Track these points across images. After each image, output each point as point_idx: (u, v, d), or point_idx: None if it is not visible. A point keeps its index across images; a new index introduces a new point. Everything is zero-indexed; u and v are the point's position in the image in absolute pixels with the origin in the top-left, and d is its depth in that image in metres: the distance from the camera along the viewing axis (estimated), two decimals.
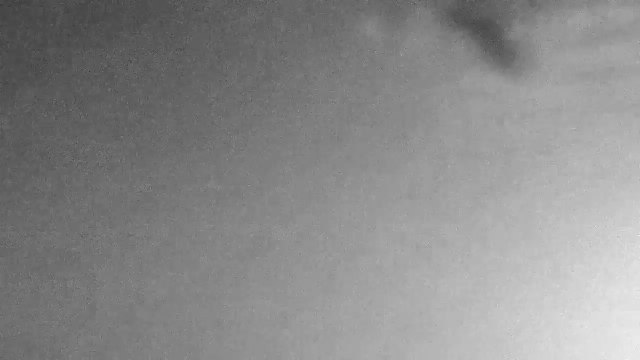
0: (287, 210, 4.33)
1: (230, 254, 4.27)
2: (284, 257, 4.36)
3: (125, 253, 4.05)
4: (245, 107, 4.78)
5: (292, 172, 4.82)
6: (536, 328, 4.14)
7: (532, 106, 4.73)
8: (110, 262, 4.21)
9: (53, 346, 3.79)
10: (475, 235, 4.59)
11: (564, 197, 4.56)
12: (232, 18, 4.85)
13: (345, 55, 4.96)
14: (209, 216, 4.30)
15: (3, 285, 3.83)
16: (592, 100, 4.83)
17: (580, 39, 4.83)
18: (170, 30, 4.79)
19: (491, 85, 4.72)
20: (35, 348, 3.81)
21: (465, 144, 4.69)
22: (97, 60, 4.50)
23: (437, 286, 4.21)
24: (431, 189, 4.60)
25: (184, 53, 4.59)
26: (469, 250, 4.50)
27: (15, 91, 4.07)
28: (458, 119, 4.76)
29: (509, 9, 5.05)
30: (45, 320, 3.93)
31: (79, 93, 4.30)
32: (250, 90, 4.94)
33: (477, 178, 4.69)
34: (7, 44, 4.40)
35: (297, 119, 4.98)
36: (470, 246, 4.43)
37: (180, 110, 4.38)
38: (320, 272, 4.10)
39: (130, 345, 3.93)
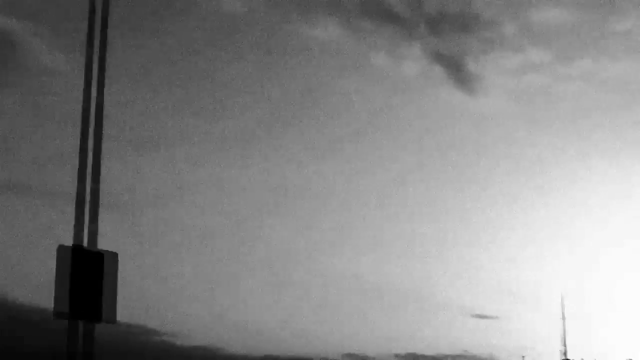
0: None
1: None
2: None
3: None
4: (287, 112, 7.61)
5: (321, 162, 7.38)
6: None
7: (481, 113, 7.46)
8: None
9: None
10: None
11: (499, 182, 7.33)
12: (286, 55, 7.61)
13: (364, 77, 7.73)
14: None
15: None
16: (521, 110, 7.63)
17: (514, 70, 7.50)
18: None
19: (455, 99, 7.53)
20: None
21: (439, 136, 7.33)
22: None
23: None
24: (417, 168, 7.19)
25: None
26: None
27: None
28: (435, 120, 7.43)
29: (468, 48, 7.80)
30: None
31: None
32: (291, 101, 7.77)
33: (443, 160, 7.35)
34: None
35: (330, 122, 7.63)
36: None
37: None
38: None
39: None
